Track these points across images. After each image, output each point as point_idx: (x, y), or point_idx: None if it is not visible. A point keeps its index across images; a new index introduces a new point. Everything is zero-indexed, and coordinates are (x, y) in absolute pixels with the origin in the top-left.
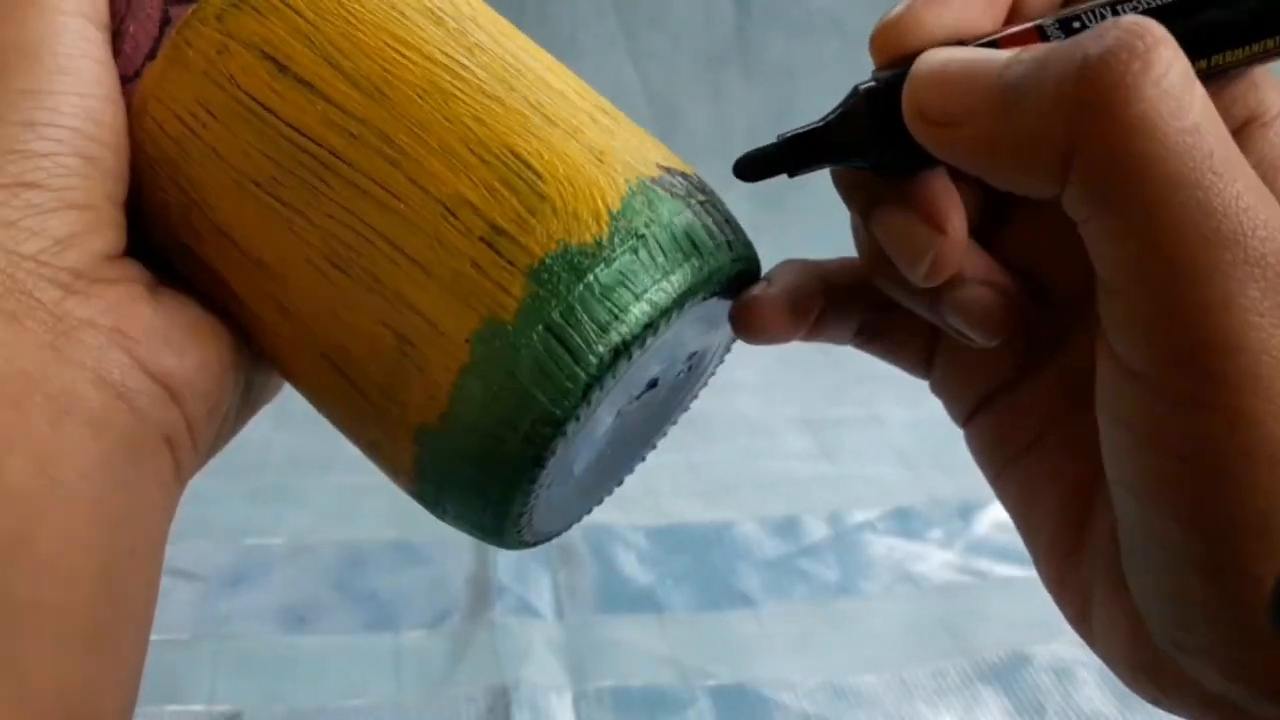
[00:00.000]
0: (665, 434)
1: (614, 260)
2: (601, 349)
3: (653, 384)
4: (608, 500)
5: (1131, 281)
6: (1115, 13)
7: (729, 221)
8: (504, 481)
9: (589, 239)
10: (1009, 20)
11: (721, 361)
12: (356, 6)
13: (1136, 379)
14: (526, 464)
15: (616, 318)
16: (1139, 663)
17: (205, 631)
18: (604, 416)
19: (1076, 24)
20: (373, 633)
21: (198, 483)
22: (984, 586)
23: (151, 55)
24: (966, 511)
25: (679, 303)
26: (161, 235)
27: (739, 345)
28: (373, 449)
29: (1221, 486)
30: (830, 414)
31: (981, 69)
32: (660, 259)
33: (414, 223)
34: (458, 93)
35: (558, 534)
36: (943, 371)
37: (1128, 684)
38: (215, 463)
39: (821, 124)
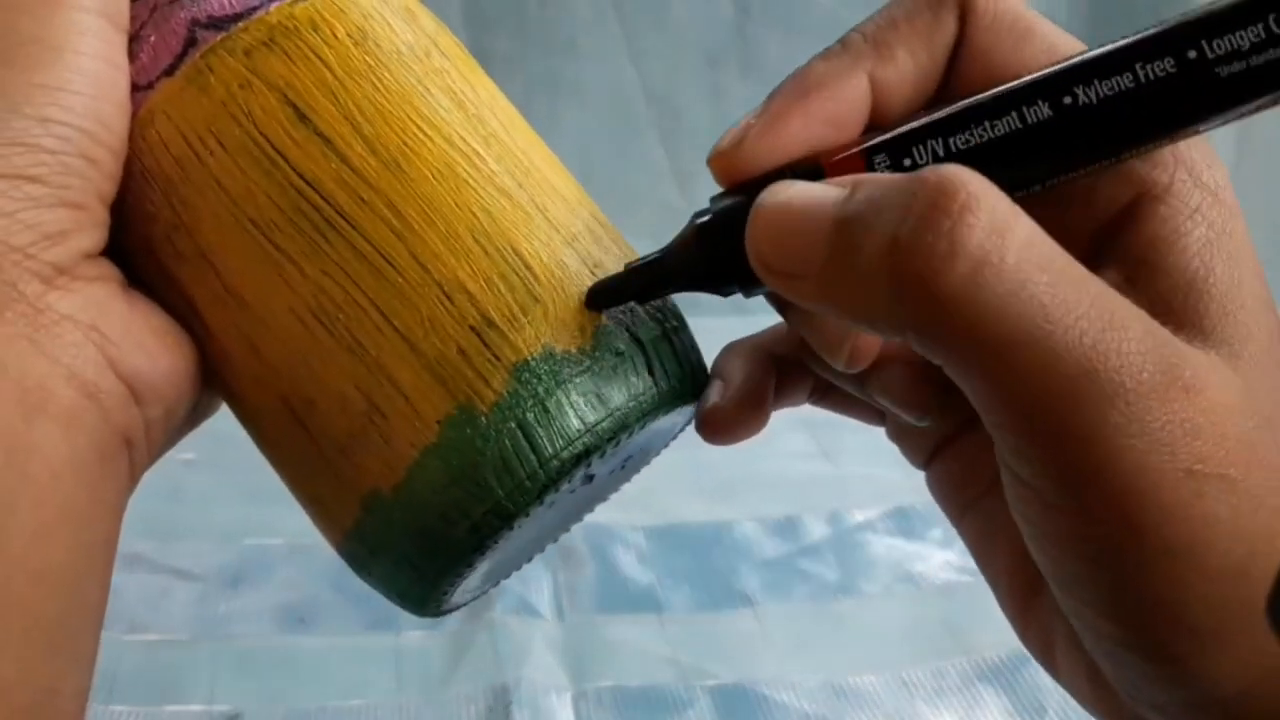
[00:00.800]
0: (581, 520)
1: (593, 373)
2: (566, 455)
3: (589, 478)
4: (608, 500)
5: (999, 424)
6: (933, 143)
7: (693, 348)
8: (442, 562)
9: (573, 348)
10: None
11: (649, 461)
12: (385, 74)
13: (1033, 491)
14: (468, 550)
15: (586, 428)
16: (1102, 706)
17: (205, 632)
18: (542, 509)
19: (891, 154)
20: (373, 633)
21: (197, 483)
22: (984, 586)
23: (169, 72)
24: None
25: (641, 421)
26: (139, 244)
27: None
28: (314, 503)
29: (1129, 586)
30: (829, 414)
31: (814, 221)
32: (633, 378)
33: (409, 298)
34: (471, 181)
35: (464, 605)
36: (896, 422)
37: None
38: (215, 462)
39: (658, 255)
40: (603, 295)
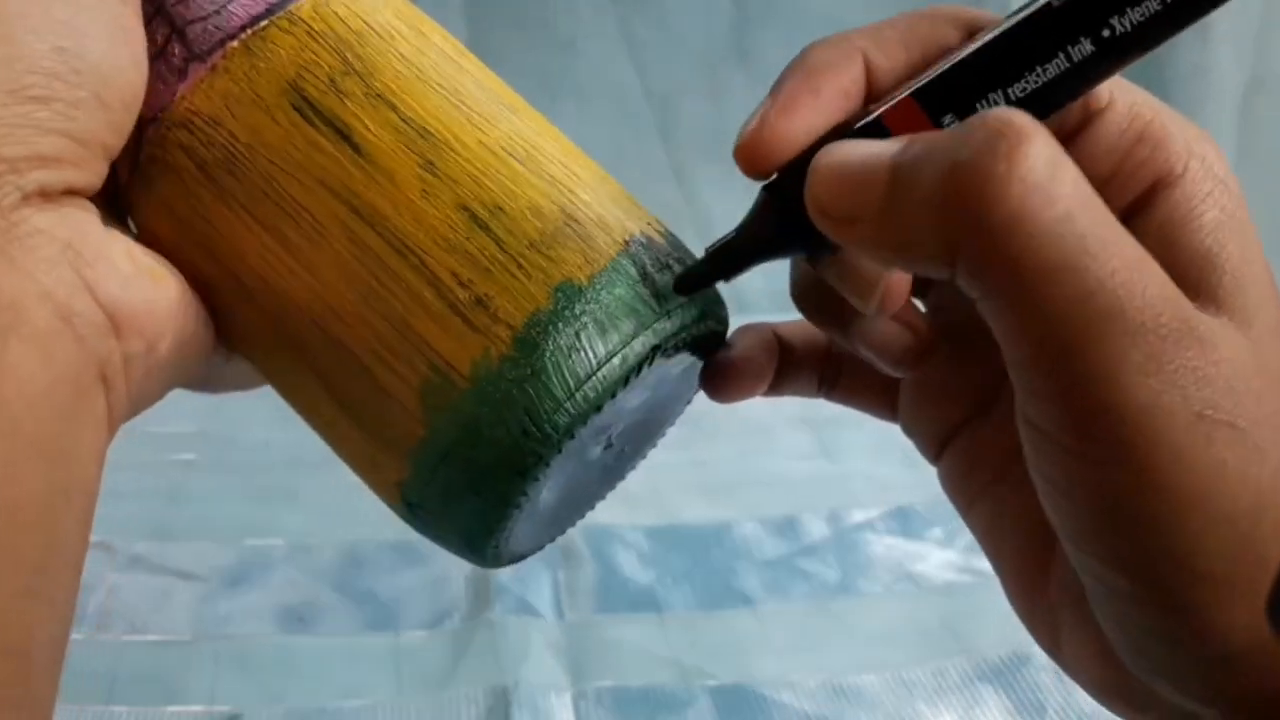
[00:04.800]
0: (593, 507)
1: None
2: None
3: (606, 443)
4: (608, 499)
5: (1025, 359)
6: (979, 77)
7: None
8: (616, 347)
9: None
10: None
11: (653, 444)
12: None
13: (1048, 438)
14: (624, 375)
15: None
16: (1111, 685)
17: (205, 632)
18: (590, 443)
19: (947, 88)
20: (373, 633)
21: (198, 483)
22: (984, 586)
23: None
24: None
25: (689, 331)
26: (272, 82)
27: None
28: (481, 305)
29: (1141, 532)
30: (829, 413)
31: (872, 167)
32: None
33: (578, 160)
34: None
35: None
36: (906, 414)
37: (1103, 704)
38: (215, 463)
39: (735, 233)
40: (689, 281)
